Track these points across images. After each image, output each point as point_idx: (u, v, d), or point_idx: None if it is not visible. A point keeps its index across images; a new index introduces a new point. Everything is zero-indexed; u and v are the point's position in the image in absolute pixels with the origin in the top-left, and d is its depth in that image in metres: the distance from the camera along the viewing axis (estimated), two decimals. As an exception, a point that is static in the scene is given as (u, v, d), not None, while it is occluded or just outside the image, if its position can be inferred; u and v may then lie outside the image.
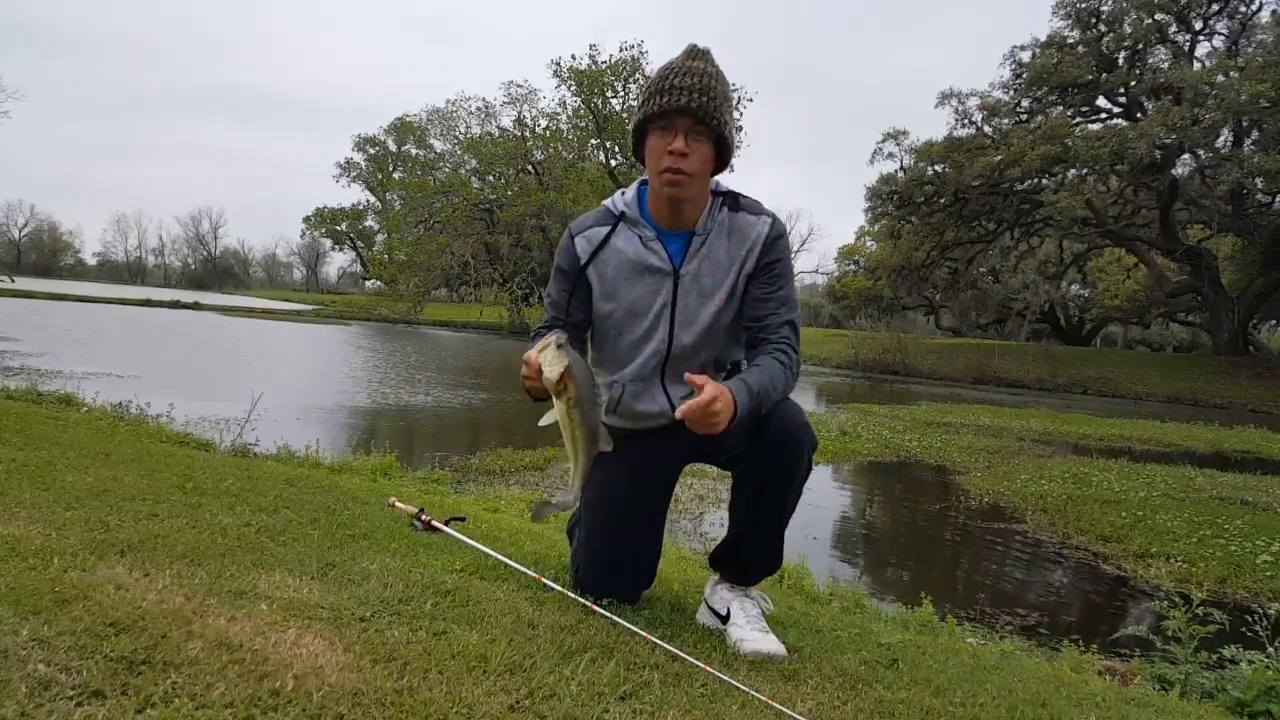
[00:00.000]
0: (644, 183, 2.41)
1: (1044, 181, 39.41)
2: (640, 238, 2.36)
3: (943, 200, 41.42)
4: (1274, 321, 45.68)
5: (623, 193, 2.44)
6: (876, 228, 50.23)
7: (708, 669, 1.95)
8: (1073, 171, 38.11)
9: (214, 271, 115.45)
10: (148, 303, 45.99)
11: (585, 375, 2.10)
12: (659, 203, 2.34)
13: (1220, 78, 33.62)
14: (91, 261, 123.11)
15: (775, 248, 2.35)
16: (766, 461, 2.30)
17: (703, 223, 2.33)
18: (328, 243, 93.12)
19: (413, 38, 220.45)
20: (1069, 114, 39.26)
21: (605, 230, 2.39)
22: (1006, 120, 40.36)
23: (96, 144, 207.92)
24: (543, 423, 2.12)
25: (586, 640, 2.00)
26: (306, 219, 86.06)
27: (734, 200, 2.38)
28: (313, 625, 1.89)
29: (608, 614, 2.23)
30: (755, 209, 2.37)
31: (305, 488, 3.88)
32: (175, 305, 45.96)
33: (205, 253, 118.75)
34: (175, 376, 13.71)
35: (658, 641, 2.08)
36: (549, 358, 2.07)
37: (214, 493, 3.32)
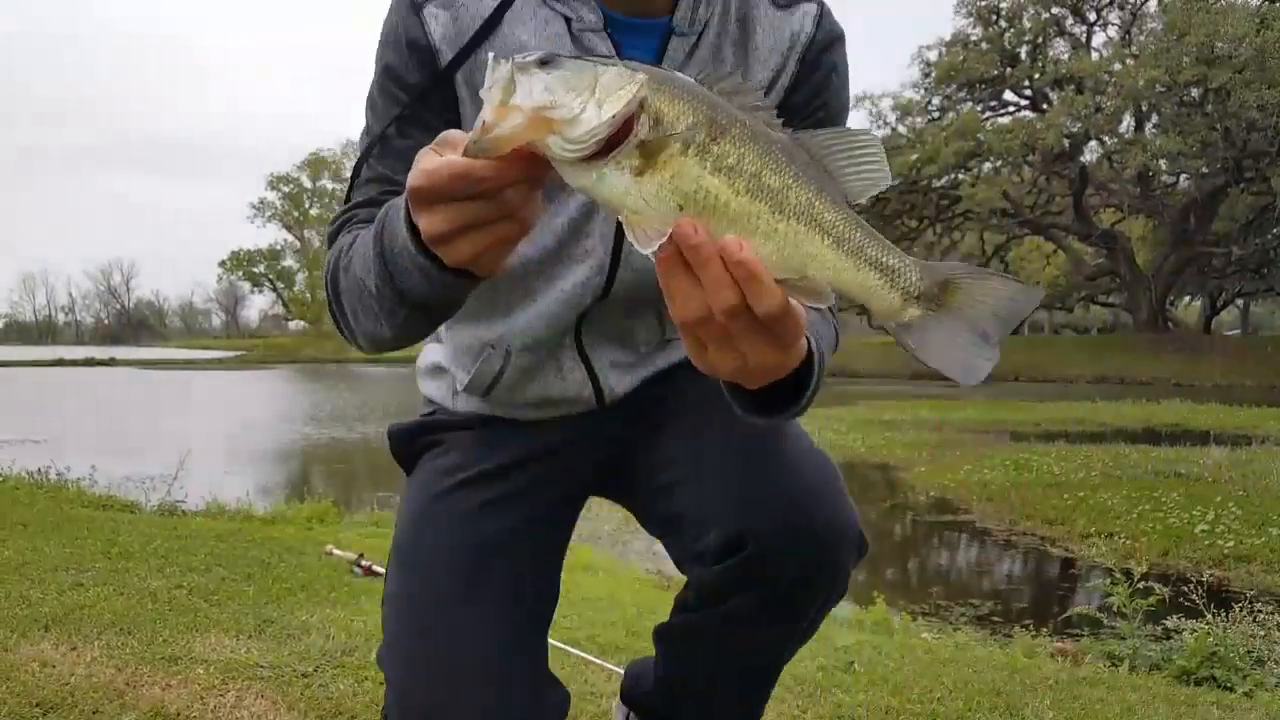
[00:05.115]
0: None
1: (960, 176, 40.67)
2: (569, 22, 1.10)
3: (864, 201, 42.37)
4: (1189, 297, 47.83)
5: None
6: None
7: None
8: (987, 165, 39.49)
9: (129, 325, 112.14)
10: (60, 362, 44.48)
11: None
12: None
13: (1117, 65, 35.32)
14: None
15: (821, 61, 1.19)
16: (759, 556, 1.07)
17: (689, 6, 1.13)
18: (246, 286, 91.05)
19: (319, 72, 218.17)
20: (979, 109, 40.72)
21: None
22: (919, 119, 41.61)
23: None
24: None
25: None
26: (222, 263, 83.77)
27: None
28: (253, 686, 1.84)
29: (559, 644, 2.19)
30: None
31: (238, 543, 3.79)
32: (90, 363, 44.59)
33: (118, 306, 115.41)
34: (95, 437, 13.26)
35: (614, 668, 2.05)
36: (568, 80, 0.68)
37: (141, 556, 3.23)
